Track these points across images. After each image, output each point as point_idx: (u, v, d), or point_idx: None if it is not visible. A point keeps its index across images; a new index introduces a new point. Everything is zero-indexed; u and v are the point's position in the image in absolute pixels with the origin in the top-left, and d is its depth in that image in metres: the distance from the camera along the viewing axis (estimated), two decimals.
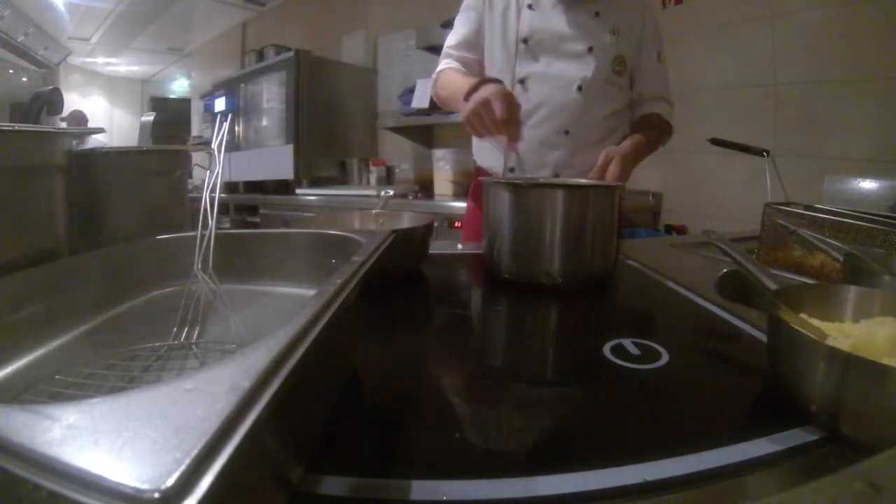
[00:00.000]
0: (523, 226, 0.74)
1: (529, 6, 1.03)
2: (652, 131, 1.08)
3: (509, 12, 1.05)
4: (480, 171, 1.19)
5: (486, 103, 0.83)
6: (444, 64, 1.13)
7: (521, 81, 1.04)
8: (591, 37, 1.01)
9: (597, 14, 1.02)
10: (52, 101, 0.62)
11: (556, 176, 1.04)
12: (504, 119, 0.82)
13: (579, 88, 1.02)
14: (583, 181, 0.91)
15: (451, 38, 1.15)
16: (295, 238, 0.58)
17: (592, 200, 0.74)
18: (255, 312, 0.52)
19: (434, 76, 1.16)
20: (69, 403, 0.17)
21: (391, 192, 1.17)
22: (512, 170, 1.09)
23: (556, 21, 1.02)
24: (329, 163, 2.83)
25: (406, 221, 0.90)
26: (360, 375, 0.45)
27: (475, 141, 1.17)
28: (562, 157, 1.05)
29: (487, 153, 1.14)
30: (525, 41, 1.03)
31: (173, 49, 4.59)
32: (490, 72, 1.08)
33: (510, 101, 0.84)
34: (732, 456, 0.33)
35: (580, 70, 1.01)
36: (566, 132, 1.04)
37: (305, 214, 2.35)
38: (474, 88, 0.88)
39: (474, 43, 1.12)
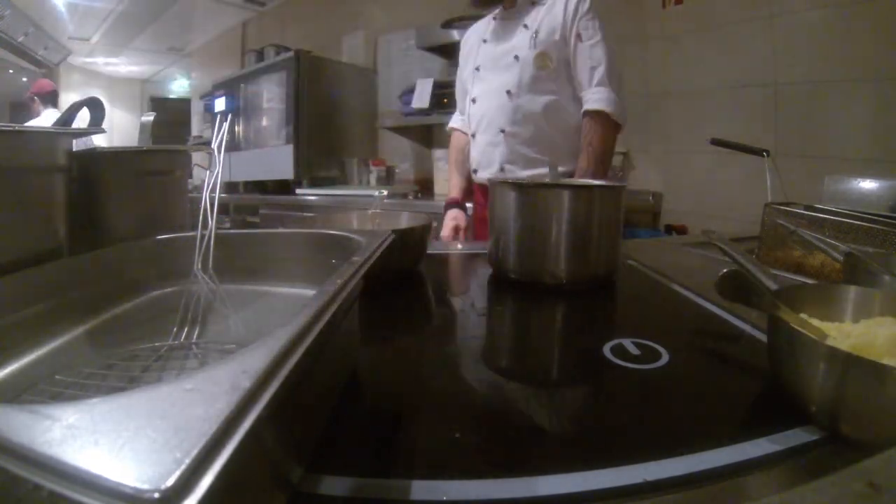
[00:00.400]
0: (529, 226, 0.75)
1: (484, 41, 1.30)
2: (594, 136, 1.17)
3: (473, 50, 1.33)
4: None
5: (445, 237, 1.32)
6: (453, 120, 1.50)
7: (473, 100, 1.32)
8: (518, 47, 1.21)
9: (525, 26, 1.21)
10: (95, 111, 0.62)
11: (502, 170, 1.24)
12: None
13: (508, 92, 1.21)
14: (587, 181, 0.92)
15: (458, 94, 1.48)
16: (295, 238, 0.58)
17: (598, 200, 0.74)
18: (255, 312, 0.52)
19: (448, 128, 1.54)
20: (69, 403, 0.17)
21: (385, 193, 1.20)
22: (475, 171, 1.33)
23: (496, 44, 1.27)
24: (329, 163, 2.83)
25: (405, 221, 0.91)
26: (360, 375, 0.45)
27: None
28: (503, 153, 1.24)
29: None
30: (477, 69, 1.30)
31: (173, 49, 4.59)
32: (464, 97, 1.39)
33: (455, 232, 1.33)
34: (732, 456, 0.33)
35: (509, 77, 1.21)
36: (502, 131, 1.23)
37: (305, 214, 2.35)
38: (448, 206, 1.39)
39: (463, 99, 1.41)
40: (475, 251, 1.03)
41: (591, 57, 1.16)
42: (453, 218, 1.35)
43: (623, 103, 1.17)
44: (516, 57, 1.19)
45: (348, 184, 2.82)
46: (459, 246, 1.15)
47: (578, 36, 1.16)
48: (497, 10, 1.28)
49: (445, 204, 1.40)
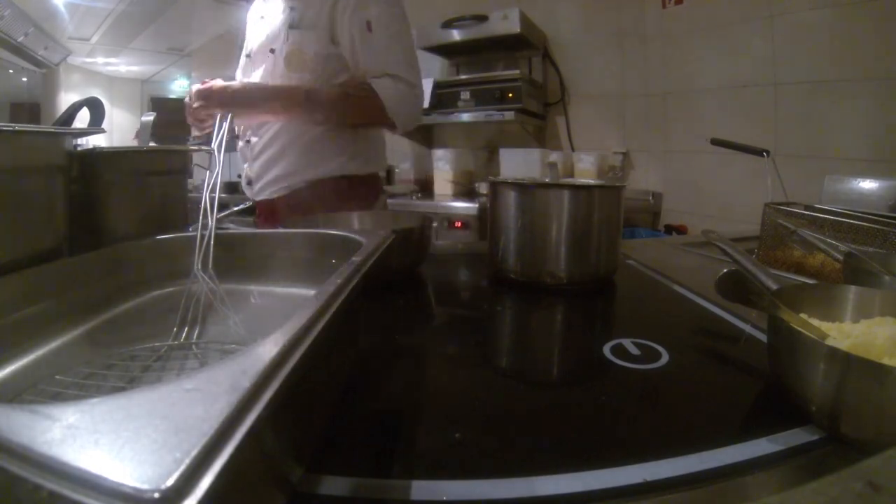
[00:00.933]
0: (529, 226, 0.75)
1: (262, 17, 1.12)
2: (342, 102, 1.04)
3: (246, 28, 1.18)
4: None
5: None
6: None
7: None
8: (275, 39, 1.06)
9: (291, 9, 1.04)
10: (95, 111, 0.61)
11: (249, 184, 1.19)
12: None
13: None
14: (589, 181, 0.92)
15: None
16: (295, 238, 0.58)
17: (598, 200, 0.74)
18: (255, 312, 0.52)
19: None
20: (69, 403, 0.17)
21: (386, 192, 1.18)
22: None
23: (262, 26, 1.10)
24: None
25: (405, 221, 0.91)
26: (360, 375, 0.45)
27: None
28: (250, 165, 1.18)
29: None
30: (248, 55, 1.15)
31: (173, 49, 4.58)
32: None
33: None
34: (732, 456, 0.33)
35: (260, 74, 1.09)
36: (248, 142, 1.19)
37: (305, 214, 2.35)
38: None
39: None
40: (474, 251, 1.03)
41: (382, 50, 1.05)
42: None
43: None
44: (272, 50, 1.10)
45: None
46: (460, 246, 1.14)
47: (369, 25, 1.04)
48: None
49: None
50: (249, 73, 1.13)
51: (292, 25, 1.03)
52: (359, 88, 1.03)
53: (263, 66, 1.07)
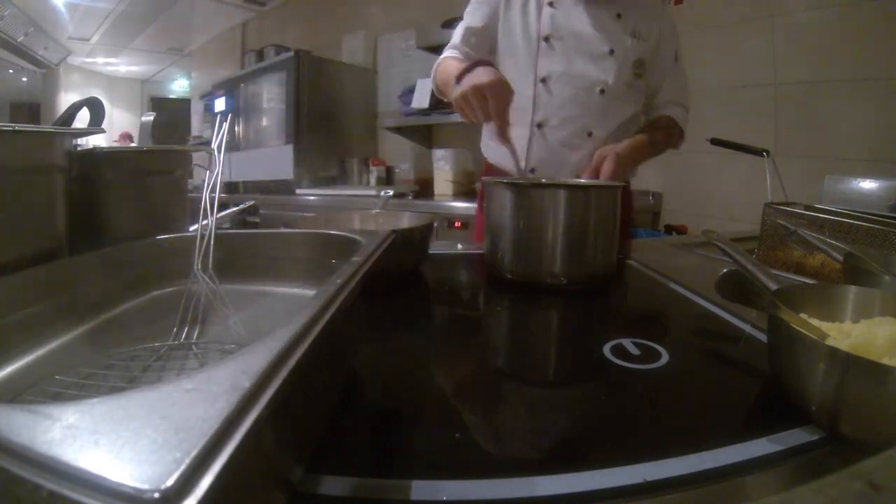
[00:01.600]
0: (526, 226, 0.74)
1: (550, 3, 1.01)
2: (657, 133, 1.05)
3: (529, 8, 1.03)
4: (492, 169, 1.15)
5: (477, 91, 0.78)
6: (446, 53, 1.07)
7: (543, 80, 1.03)
8: (613, 39, 1.00)
9: (619, 16, 1.00)
10: (94, 112, 0.62)
11: (578, 177, 0.98)
12: (496, 112, 0.80)
13: (602, 91, 1.00)
14: (584, 181, 0.91)
15: (458, 31, 1.10)
16: (295, 238, 0.58)
17: (595, 200, 0.74)
18: (255, 312, 0.52)
19: (434, 67, 1.09)
20: (69, 403, 0.17)
21: (391, 193, 1.16)
22: (533, 171, 1.06)
23: (578, 20, 1.00)
24: (329, 163, 2.83)
25: (406, 221, 0.90)
26: (360, 375, 0.45)
27: (485, 136, 1.15)
28: (583, 158, 1.01)
29: (502, 152, 1.00)
30: (546, 39, 1.01)
31: (173, 49, 4.59)
32: (509, 69, 1.01)
33: (502, 93, 0.79)
34: (732, 456, 0.33)
35: (602, 72, 1.00)
36: (589, 134, 1.03)
37: (305, 214, 2.35)
38: (467, 70, 0.84)
39: (482, 38, 1.07)
40: (475, 251, 1.03)
41: (680, 81, 1.10)
42: (492, 72, 0.81)
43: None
44: (611, 51, 1.00)
45: (348, 184, 2.82)
46: (459, 246, 1.12)
47: (676, 55, 1.07)
48: None
49: (460, 74, 0.85)
50: (562, 59, 1.01)
51: (636, 35, 1.01)
52: (668, 124, 1.07)
53: (598, 63, 1.00)
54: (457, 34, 1.09)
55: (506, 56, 1.07)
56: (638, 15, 1.02)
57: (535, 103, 1.04)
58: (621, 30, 1.00)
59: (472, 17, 1.09)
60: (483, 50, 1.07)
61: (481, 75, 0.80)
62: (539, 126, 1.04)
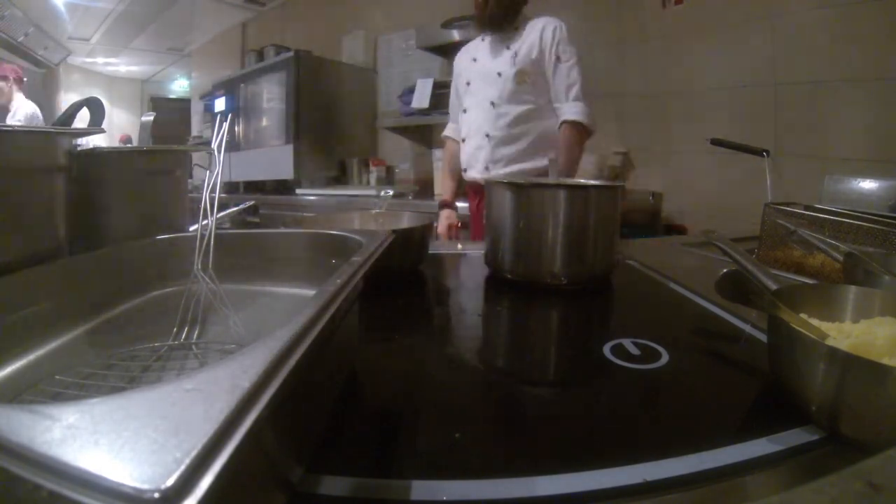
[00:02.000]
0: (526, 226, 0.74)
1: (474, 59, 1.51)
2: (565, 144, 1.38)
3: (464, 68, 1.55)
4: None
5: (441, 236, 1.56)
6: (447, 129, 1.69)
7: (465, 110, 1.53)
8: (501, 65, 1.42)
9: (507, 48, 1.42)
10: (94, 112, 0.62)
11: (486, 169, 1.45)
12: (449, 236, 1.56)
13: (492, 103, 1.43)
14: (583, 181, 0.92)
15: (450, 108, 1.70)
16: (295, 238, 0.58)
17: (594, 200, 0.74)
18: (255, 312, 0.52)
19: (442, 136, 1.73)
20: (69, 403, 0.17)
21: (391, 192, 1.18)
22: (465, 170, 1.53)
23: (484, 63, 1.48)
24: (329, 163, 2.83)
25: (406, 221, 0.90)
26: (360, 375, 0.45)
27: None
28: (487, 153, 1.45)
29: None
30: (468, 84, 1.52)
31: (173, 49, 4.59)
32: (457, 108, 1.61)
33: (449, 231, 1.58)
34: (732, 456, 0.33)
35: (493, 90, 1.43)
36: (487, 135, 1.44)
37: (305, 214, 2.35)
38: (441, 206, 1.63)
39: (455, 110, 1.64)
40: (475, 251, 1.03)
41: (568, 76, 1.38)
42: (447, 217, 1.60)
43: (593, 114, 1.39)
44: (499, 73, 1.41)
45: (348, 184, 2.82)
46: (459, 246, 1.14)
47: (558, 58, 1.37)
48: (487, 34, 1.51)
49: (439, 204, 1.64)
50: (473, 93, 1.50)
51: (516, 54, 1.40)
52: (569, 137, 1.38)
53: (492, 86, 1.43)
54: (452, 110, 1.68)
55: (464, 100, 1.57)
56: (521, 42, 1.40)
57: (461, 126, 1.56)
58: (509, 56, 1.41)
59: (454, 92, 1.64)
60: (459, 114, 1.61)
61: (442, 218, 1.59)
62: (464, 140, 1.54)
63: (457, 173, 1.61)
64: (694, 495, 0.30)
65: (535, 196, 0.74)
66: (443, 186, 1.70)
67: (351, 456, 0.34)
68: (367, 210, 0.96)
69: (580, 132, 1.39)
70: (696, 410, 0.42)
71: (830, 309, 0.45)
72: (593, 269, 0.76)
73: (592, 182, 0.89)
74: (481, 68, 1.48)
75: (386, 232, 0.51)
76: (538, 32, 1.39)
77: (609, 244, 0.77)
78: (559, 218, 0.72)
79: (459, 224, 1.61)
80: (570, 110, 1.38)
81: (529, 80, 1.40)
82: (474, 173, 1.49)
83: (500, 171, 1.43)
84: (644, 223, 2.13)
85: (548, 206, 0.73)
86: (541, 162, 1.40)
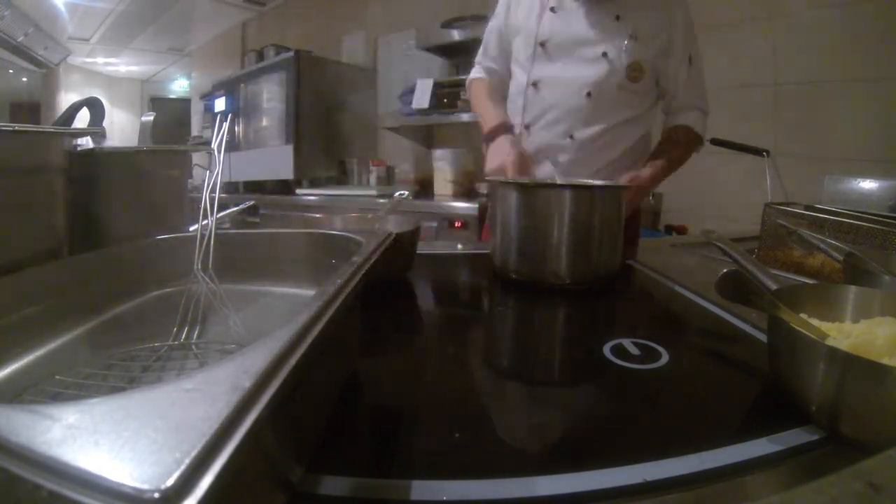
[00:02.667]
0: (531, 226, 0.74)
1: (552, 9, 1.04)
2: (676, 150, 1.08)
3: (532, 14, 1.06)
4: None
5: (501, 171, 0.97)
6: (473, 73, 1.22)
7: (534, 84, 1.06)
8: (608, 41, 1.00)
9: (617, 17, 1.00)
10: (94, 112, 0.62)
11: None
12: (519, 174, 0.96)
13: (588, 94, 1.01)
14: (589, 181, 0.91)
15: (481, 48, 1.22)
16: (295, 238, 0.58)
17: (599, 201, 0.74)
18: (255, 312, 0.52)
19: (468, 84, 1.26)
20: (69, 403, 0.17)
21: (406, 194, 1.13)
22: None
23: (576, 24, 1.02)
24: (329, 163, 2.83)
25: (391, 226, 0.84)
26: (360, 375, 0.45)
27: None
28: (565, 161, 1.06)
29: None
30: (542, 44, 1.04)
31: (173, 49, 4.59)
32: (515, 74, 1.12)
33: (521, 170, 0.96)
34: (732, 456, 0.33)
35: (592, 75, 1.01)
36: (570, 137, 1.04)
37: (306, 214, 2.35)
38: (490, 137, 1.06)
39: (497, 46, 1.18)
40: (478, 251, 1.03)
41: (698, 85, 1.09)
42: (513, 143, 1.02)
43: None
44: (605, 54, 0.99)
45: (348, 184, 2.82)
46: (460, 246, 1.12)
47: (690, 59, 1.06)
48: None
49: (489, 134, 1.08)
50: (554, 63, 1.04)
51: (634, 37, 0.99)
52: (677, 145, 1.09)
53: (591, 67, 1.01)
54: (480, 52, 1.22)
55: (514, 63, 1.13)
56: (641, 17, 1.00)
57: (524, 106, 1.09)
58: (618, 31, 1.00)
59: (487, 32, 1.20)
60: (501, 59, 1.18)
61: (500, 151, 1.00)
62: (527, 127, 1.09)
63: (502, 101, 1.16)
64: (694, 495, 0.30)
65: (541, 196, 0.74)
66: (484, 115, 1.13)
67: (351, 456, 0.34)
68: (365, 212, 0.94)
69: (690, 146, 1.11)
70: (696, 410, 0.42)
71: (830, 309, 0.45)
72: (598, 269, 0.75)
73: (596, 182, 0.89)
74: (571, 32, 1.02)
75: (385, 232, 0.50)
76: (666, 11, 1.01)
77: (614, 245, 0.77)
78: (564, 218, 0.72)
79: (525, 161, 1.01)
80: (695, 119, 1.09)
81: (644, 77, 1.02)
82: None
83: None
84: (644, 223, 2.13)
85: (553, 206, 0.73)
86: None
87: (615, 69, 1.00)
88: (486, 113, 1.13)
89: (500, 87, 1.18)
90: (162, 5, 3.59)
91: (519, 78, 1.10)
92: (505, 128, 1.06)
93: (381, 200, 2.36)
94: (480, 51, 1.22)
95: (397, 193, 1.09)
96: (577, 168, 1.05)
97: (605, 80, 1.00)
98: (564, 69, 1.03)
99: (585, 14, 1.01)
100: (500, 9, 1.15)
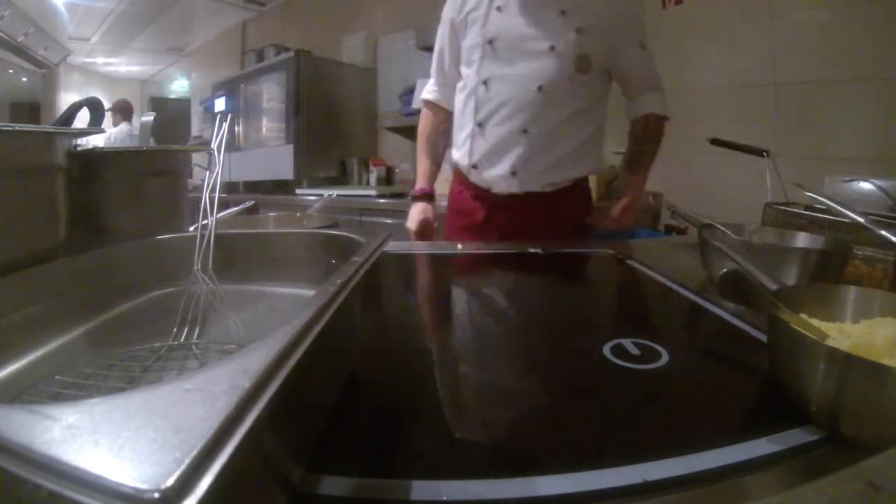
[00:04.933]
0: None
1: (498, 8, 1.05)
2: (646, 146, 1.15)
3: (478, 14, 1.08)
4: (457, 170, 1.26)
5: (412, 235, 1.19)
6: (425, 94, 1.28)
7: (485, 83, 1.07)
8: (555, 36, 1.01)
9: (563, 12, 1.01)
10: (94, 112, 0.61)
11: (514, 174, 1.07)
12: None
13: (539, 88, 1.02)
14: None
15: (432, 63, 1.25)
16: (295, 238, 0.58)
17: None
18: (255, 312, 0.52)
19: (421, 101, 1.32)
20: (69, 403, 0.17)
21: (334, 195, 1.15)
22: (475, 166, 1.13)
23: (521, 21, 1.03)
24: (329, 163, 2.83)
25: (315, 223, 0.81)
26: (360, 375, 0.45)
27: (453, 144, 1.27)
28: (519, 155, 1.07)
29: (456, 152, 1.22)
30: (490, 42, 1.05)
31: (173, 49, 4.59)
32: (466, 76, 1.13)
33: (425, 236, 1.19)
34: (732, 456, 0.33)
35: (541, 70, 1.02)
36: (524, 131, 1.05)
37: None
38: (413, 197, 1.25)
39: (446, 61, 1.21)
40: (478, 251, 1.03)
41: (651, 66, 1.11)
42: (421, 211, 1.20)
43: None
44: (552, 48, 1.00)
45: (348, 184, 2.82)
46: (459, 246, 1.12)
47: (642, 44, 1.07)
48: None
49: (413, 195, 1.24)
50: (503, 60, 1.05)
51: (580, 31, 1.00)
52: (652, 134, 1.15)
53: (538, 61, 1.02)
54: (437, 59, 1.24)
55: (463, 64, 1.14)
56: (587, 10, 1.01)
57: (476, 104, 1.10)
58: (564, 26, 1.01)
59: (437, 41, 1.22)
60: (451, 73, 1.20)
61: (413, 214, 1.21)
62: (480, 125, 1.10)
63: (438, 152, 1.27)
64: (694, 495, 0.30)
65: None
66: (418, 170, 1.27)
67: (351, 456, 0.34)
68: (295, 212, 0.92)
69: (661, 128, 1.15)
70: (696, 410, 0.42)
71: (830, 309, 0.45)
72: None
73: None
74: (517, 29, 1.03)
75: (385, 232, 0.51)
76: (612, 2, 1.03)
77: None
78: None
79: (436, 223, 1.22)
80: (655, 102, 1.12)
81: (593, 69, 1.03)
82: (491, 175, 1.09)
83: (531, 182, 1.08)
84: (644, 223, 2.13)
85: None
86: (579, 172, 1.13)
87: (564, 62, 1.01)
88: (419, 169, 1.27)
89: (444, 119, 1.25)
90: (162, 5, 3.59)
91: (469, 79, 1.11)
92: (425, 195, 1.24)
93: (381, 200, 2.37)
94: (431, 74, 1.27)
95: (326, 194, 1.11)
96: (533, 163, 1.07)
97: (555, 73, 1.02)
98: (513, 66, 1.04)
99: (527, 10, 1.02)
100: (448, 12, 1.17)
